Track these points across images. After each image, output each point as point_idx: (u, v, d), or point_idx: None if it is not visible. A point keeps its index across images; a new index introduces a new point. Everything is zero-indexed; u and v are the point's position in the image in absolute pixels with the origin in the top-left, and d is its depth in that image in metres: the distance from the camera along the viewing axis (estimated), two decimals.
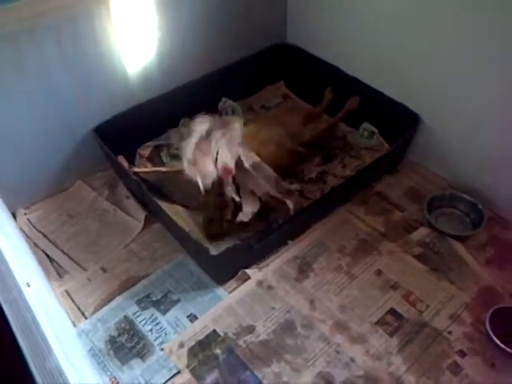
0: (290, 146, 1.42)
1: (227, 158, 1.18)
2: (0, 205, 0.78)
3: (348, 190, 1.39)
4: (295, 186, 1.34)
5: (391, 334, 1.11)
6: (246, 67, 1.67)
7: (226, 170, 1.18)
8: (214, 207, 1.26)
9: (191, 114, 1.61)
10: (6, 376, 0.66)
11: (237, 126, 1.24)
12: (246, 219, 1.21)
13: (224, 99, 1.68)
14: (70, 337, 0.93)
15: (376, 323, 1.13)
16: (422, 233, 1.31)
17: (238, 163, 1.20)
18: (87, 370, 0.87)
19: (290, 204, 1.21)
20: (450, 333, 1.11)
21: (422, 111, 1.40)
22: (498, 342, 1.06)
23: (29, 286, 0.56)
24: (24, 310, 0.53)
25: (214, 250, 1.21)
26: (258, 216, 1.25)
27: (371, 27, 1.44)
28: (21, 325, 0.52)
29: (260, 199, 1.24)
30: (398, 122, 1.42)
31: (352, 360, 1.06)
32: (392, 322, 1.13)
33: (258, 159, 1.23)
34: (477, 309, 1.15)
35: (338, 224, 1.35)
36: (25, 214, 1.39)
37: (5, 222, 0.74)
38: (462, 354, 1.07)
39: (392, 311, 1.15)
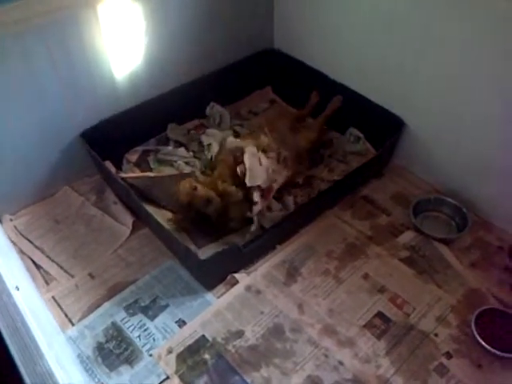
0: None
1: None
2: None
3: (335, 195, 1.40)
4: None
5: (379, 337, 1.12)
6: (234, 73, 1.68)
7: (270, 190, 1.29)
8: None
9: (179, 119, 1.63)
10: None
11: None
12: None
13: (212, 104, 1.69)
14: (60, 341, 0.92)
15: (364, 326, 1.14)
16: (408, 236, 1.33)
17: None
18: (77, 373, 0.86)
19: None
20: (436, 335, 1.12)
21: (407, 116, 1.43)
22: (483, 343, 1.08)
23: (18, 289, 0.56)
24: (14, 313, 0.53)
25: (203, 254, 1.21)
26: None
27: (357, 34, 1.46)
28: (10, 329, 0.51)
29: None
30: (384, 127, 1.44)
31: (340, 363, 1.07)
32: (379, 324, 1.14)
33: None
34: (462, 311, 1.16)
35: (325, 228, 1.36)
36: (11, 220, 1.38)
37: None
38: (449, 355, 1.08)
39: (379, 314, 1.16)
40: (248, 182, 1.25)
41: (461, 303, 1.18)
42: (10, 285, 0.56)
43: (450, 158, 1.39)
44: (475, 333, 1.09)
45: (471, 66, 1.21)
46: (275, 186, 1.32)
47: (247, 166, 1.26)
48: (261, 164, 1.29)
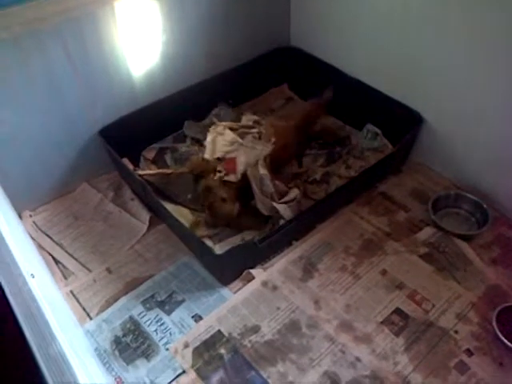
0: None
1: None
2: (6, 203, 0.79)
3: (352, 191, 1.39)
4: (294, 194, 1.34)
5: (397, 334, 1.10)
6: (250, 70, 1.68)
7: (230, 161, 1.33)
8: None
9: (195, 116, 1.63)
10: (12, 363, 0.66)
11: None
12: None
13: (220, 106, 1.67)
14: (74, 327, 0.93)
15: (382, 323, 1.12)
16: (427, 233, 1.31)
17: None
18: (94, 365, 0.87)
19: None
20: (456, 332, 1.10)
21: (426, 112, 1.40)
22: (505, 340, 1.05)
23: (33, 276, 0.57)
24: (28, 299, 0.53)
25: (219, 250, 1.21)
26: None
27: (373, 29, 1.45)
28: (25, 313, 0.52)
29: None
30: (402, 123, 1.42)
31: (358, 359, 1.06)
32: (398, 321, 1.13)
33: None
34: (483, 308, 1.14)
35: (342, 224, 1.35)
36: (30, 216, 1.40)
37: (10, 217, 0.75)
38: (469, 353, 1.06)
39: (398, 311, 1.15)
40: (205, 154, 1.35)
41: (481, 300, 1.15)
42: (26, 272, 0.57)
43: (469, 153, 1.36)
44: (496, 330, 1.07)
45: (490, 59, 1.19)
46: (240, 159, 1.33)
47: (207, 140, 1.38)
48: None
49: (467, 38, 1.21)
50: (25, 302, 0.53)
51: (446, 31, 1.25)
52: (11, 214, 0.79)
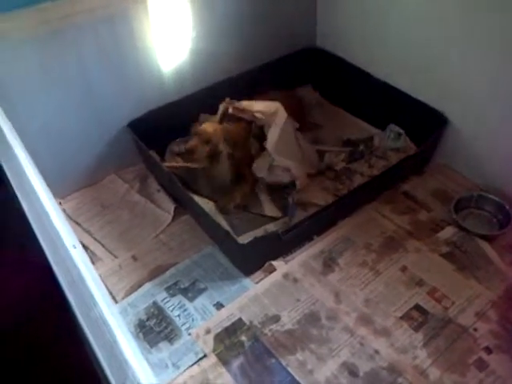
0: None
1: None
2: (44, 184, 0.84)
3: (374, 189, 1.40)
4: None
5: (416, 329, 1.11)
6: (275, 69, 1.71)
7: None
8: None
9: None
10: (57, 327, 0.70)
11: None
12: None
13: None
14: (107, 295, 0.98)
15: (401, 318, 1.13)
16: (449, 232, 1.32)
17: None
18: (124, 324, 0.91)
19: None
20: (475, 329, 1.10)
21: (450, 112, 1.41)
22: None
23: (75, 247, 0.60)
24: (71, 266, 0.57)
25: (242, 239, 1.23)
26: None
27: (399, 30, 1.47)
28: (68, 279, 0.55)
29: None
30: (426, 124, 1.43)
31: (376, 352, 1.07)
32: (417, 317, 1.14)
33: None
34: (503, 307, 1.14)
35: (363, 221, 1.37)
36: (60, 203, 1.45)
37: (50, 196, 0.79)
38: (489, 350, 1.07)
39: (417, 307, 1.15)
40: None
41: (501, 299, 1.16)
42: (68, 243, 0.60)
43: (493, 155, 1.37)
44: None
45: None
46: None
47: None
48: None
49: (495, 37, 1.22)
50: (68, 269, 0.57)
51: (473, 31, 1.26)
52: (50, 195, 0.83)
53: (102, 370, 0.48)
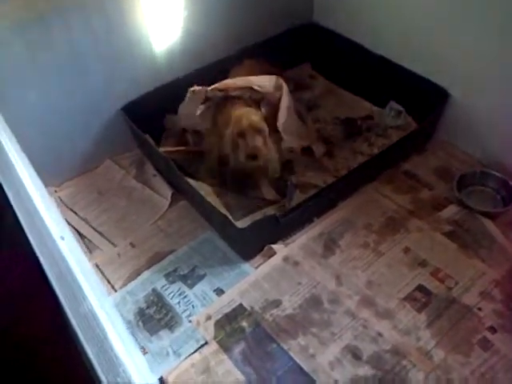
0: None
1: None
2: (34, 173, 0.81)
3: (374, 168, 1.38)
4: None
5: (419, 310, 1.10)
6: (272, 47, 1.66)
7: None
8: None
9: None
10: (44, 321, 0.69)
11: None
12: None
13: None
14: (100, 287, 0.96)
15: (404, 299, 1.12)
16: (451, 210, 1.29)
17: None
18: (118, 317, 0.89)
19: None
20: (480, 309, 1.09)
21: (451, 87, 1.37)
22: None
23: (63, 239, 0.58)
24: (59, 259, 0.55)
25: (241, 224, 1.21)
26: None
27: (398, 3, 1.42)
28: (56, 273, 0.53)
29: None
30: (427, 99, 1.40)
31: (379, 334, 1.06)
32: (420, 298, 1.12)
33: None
34: (507, 286, 1.12)
35: (364, 202, 1.34)
36: (55, 191, 1.43)
37: (39, 186, 0.77)
38: (493, 330, 1.05)
39: (420, 287, 1.14)
40: None
41: (505, 278, 1.14)
42: (55, 234, 0.58)
43: (495, 129, 1.33)
44: None
45: None
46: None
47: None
48: None
49: (494, 9, 1.18)
50: (56, 262, 0.55)
51: (472, 2, 1.21)
52: (40, 184, 0.81)
53: (93, 367, 0.47)
